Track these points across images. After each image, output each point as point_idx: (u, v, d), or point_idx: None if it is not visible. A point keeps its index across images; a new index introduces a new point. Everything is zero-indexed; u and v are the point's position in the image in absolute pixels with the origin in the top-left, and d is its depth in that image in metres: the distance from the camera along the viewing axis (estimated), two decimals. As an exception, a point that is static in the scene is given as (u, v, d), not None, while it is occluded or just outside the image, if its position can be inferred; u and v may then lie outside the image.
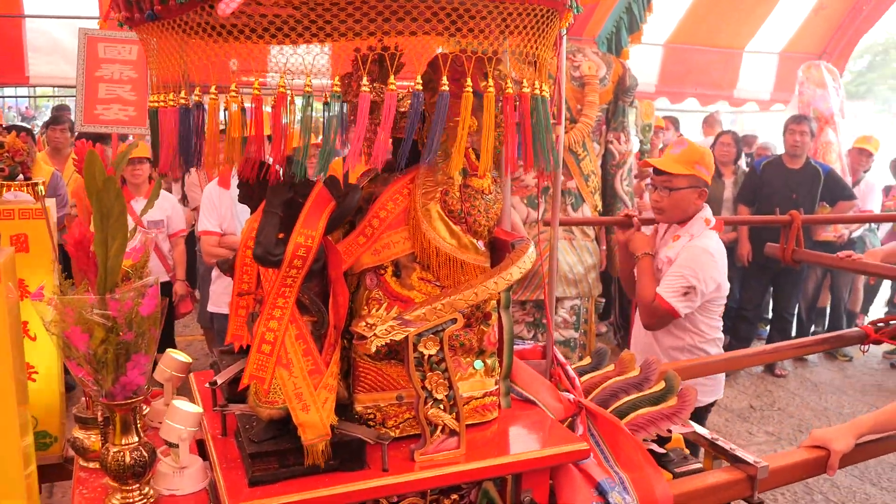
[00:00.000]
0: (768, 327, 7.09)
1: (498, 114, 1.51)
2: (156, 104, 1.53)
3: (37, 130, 8.34)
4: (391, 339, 1.52)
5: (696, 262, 3.00)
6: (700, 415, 3.28)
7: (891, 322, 3.31)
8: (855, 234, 6.91)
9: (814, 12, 9.56)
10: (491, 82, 1.48)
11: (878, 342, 3.33)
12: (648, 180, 4.38)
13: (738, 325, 6.63)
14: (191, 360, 1.90)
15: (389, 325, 1.53)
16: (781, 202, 5.50)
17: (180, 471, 1.58)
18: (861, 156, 7.40)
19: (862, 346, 3.39)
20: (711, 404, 3.37)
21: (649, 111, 6.94)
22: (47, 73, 7.17)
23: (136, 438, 1.51)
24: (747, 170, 7.03)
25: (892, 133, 11.49)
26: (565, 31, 1.87)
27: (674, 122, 8.47)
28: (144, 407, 1.86)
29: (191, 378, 2.01)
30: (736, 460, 2.05)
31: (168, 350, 1.88)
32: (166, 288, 5.09)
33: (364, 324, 1.52)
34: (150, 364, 1.49)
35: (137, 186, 4.97)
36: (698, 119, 9.91)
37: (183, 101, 1.46)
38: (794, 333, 7.08)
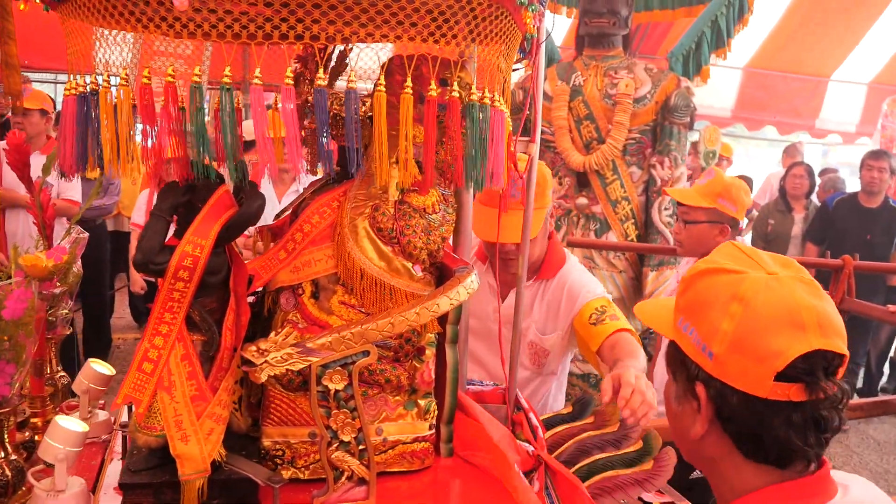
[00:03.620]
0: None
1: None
2: (67, 92, 1.38)
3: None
4: (288, 369, 1.34)
5: None
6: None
7: None
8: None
9: (908, 42, 9.01)
10: (408, 88, 1.28)
11: None
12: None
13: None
14: (113, 373, 1.76)
15: (286, 352, 1.35)
16: (854, 243, 5.14)
17: (55, 494, 1.42)
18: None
19: None
20: None
21: (714, 137, 6.59)
22: None
23: (2, 454, 1.36)
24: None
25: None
26: (544, 46, 1.66)
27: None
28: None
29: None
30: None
31: (89, 360, 1.75)
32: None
33: (255, 349, 1.34)
34: (20, 374, 1.35)
35: (32, 140, 4.64)
36: (776, 148, 9.48)
37: (82, 88, 1.31)
38: (860, 385, 6.62)
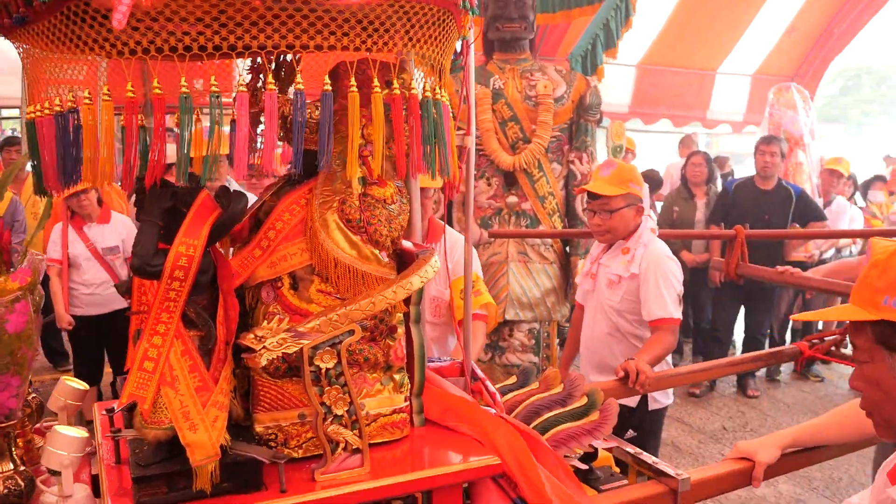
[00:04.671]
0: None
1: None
2: (33, 115, 1.46)
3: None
4: (283, 352, 1.46)
5: (667, 269, 3.06)
6: (657, 420, 3.27)
7: (825, 339, 3.26)
8: (826, 256, 6.87)
9: (786, 34, 9.64)
10: (376, 87, 1.43)
11: (812, 359, 3.30)
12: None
13: (711, 346, 6.56)
14: (87, 388, 1.82)
15: (281, 337, 1.47)
16: (753, 223, 5.47)
17: (64, 500, 1.49)
18: (832, 177, 7.38)
19: (798, 364, 3.36)
20: (666, 408, 3.35)
21: (620, 132, 6.93)
22: (6, 93, 6.95)
23: (12, 466, 1.43)
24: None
25: (863, 157, 11.50)
26: (472, 44, 1.82)
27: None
28: (37, 439, 1.77)
29: (94, 410, 1.93)
30: (659, 474, 2.00)
31: (62, 377, 1.81)
32: (122, 314, 5.00)
33: (252, 336, 1.46)
34: (24, 387, 1.42)
35: (88, 215, 4.85)
36: (670, 140, 9.91)
37: (58, 107, 1.40)
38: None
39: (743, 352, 6.73)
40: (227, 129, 1.40)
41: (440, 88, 1.60)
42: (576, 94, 4.38)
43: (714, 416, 5.91)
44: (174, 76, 1.34)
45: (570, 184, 4.46)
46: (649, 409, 3.15)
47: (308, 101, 1.53)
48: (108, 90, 1.34)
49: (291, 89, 1.70)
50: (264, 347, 1.44)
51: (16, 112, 11.15)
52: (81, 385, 1.82)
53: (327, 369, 1.52)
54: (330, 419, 1.53)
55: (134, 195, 1.66)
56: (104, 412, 1.75)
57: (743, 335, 6.81)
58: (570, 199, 4.47)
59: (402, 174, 1.67)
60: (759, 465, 2.01)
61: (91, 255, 4.75)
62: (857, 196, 8.30)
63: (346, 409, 1.54)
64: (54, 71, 1.47)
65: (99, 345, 5.06)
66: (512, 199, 4.17)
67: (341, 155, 1.59)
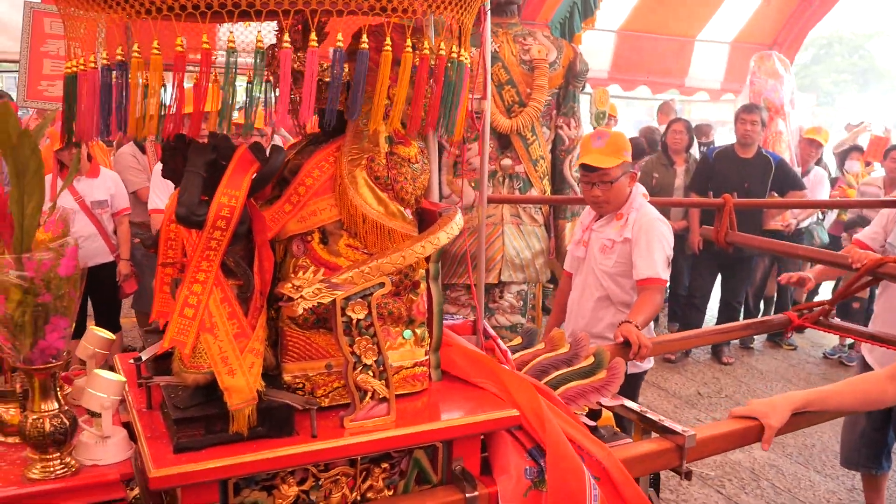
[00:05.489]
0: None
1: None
2: (73, 69, 1.49)
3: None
4: (318, 302, 1.52)
5: (658, 231, 3.14)
6: (634, 383, 3.36)
7: (814, 308, 3.38)
8: (803, 225, 7.02)
9: (765, 2, 9.68)
10: (408, 47, 1.48)
11: (801, 328, 3.41)
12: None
13: (688, 313, 6.72)
14: (114, 338, 1.87)
15: (317, 287, 1.53)
16: (733, 191, 5.57)
17: (103, 441, 1.55)
18: (811, 146, 7.50)
19: (786, 333, 3.47)
20: (644, 373, 3.46)
21: (604, 98, 6.99)
22: None
23: (56, 405, 1.48)
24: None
25: (834, 126, 11.67)
26: (489, 8, 1.87)
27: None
28: (66, 386, 1.82)
29: (116, 359, 1.98)
30: (665, 431, 2.08)
31: (90, 327, 1.85)
32: (111, 268, 5.01)
33: (290, 285, 1.52)
34: (70, 328, 1.47)
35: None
36: (645, 105, 9.87)
37: (104, 61, 1.43)
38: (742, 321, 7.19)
39: (718, 320, 6.90)
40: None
41: (463, 50, 1.65)
42: (565, 60, 4.43)
43: (689, 382, 6.08)
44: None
45: (558, 148, 4.52)
46: (628, 372, 3.25)
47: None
48: (139, 49, 1.38)
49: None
50: (301, 297, 1.49)
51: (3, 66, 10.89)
52: (108, 334, 1.86)
53: (358, 320, 1.58)
54: (359, 368, 1.60)
55: (161, 151, 1.70)
56: (132, 361, 1.80)
57: (719, 303, 6.97)
58: (557, 164, 4.53)
59: (416, 132, 1.71)
60: (770, 429, 2.07)
61: (79, 209, 4.74)
62: (832, 165, 8.46)
63: (374, 358, 1.61)
64: (89, 29, 1.50)
65: (83, 296, 5.05)
66: (506, 161, 4.22)
67: (367, 114, 1.63)
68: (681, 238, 6.67)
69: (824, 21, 10.78)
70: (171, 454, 1.48)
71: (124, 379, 1.59)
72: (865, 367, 3.56)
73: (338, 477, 1.67)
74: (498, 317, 4.24)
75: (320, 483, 1.64)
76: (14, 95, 7.14)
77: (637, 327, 2.78)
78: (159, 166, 4.58)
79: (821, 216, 7.63)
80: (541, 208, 4.35)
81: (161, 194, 4.55)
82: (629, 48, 9.56)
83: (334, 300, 1.54)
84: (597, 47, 8.48)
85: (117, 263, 5.04)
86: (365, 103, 1.63)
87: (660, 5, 9.08)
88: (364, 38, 1.45)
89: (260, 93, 1.39)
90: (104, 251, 4.94)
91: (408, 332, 1.80)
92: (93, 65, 1.46)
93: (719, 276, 6.78)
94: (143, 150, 5.44)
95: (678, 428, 2.07)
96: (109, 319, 5.02)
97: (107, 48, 1.43)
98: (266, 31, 1.49)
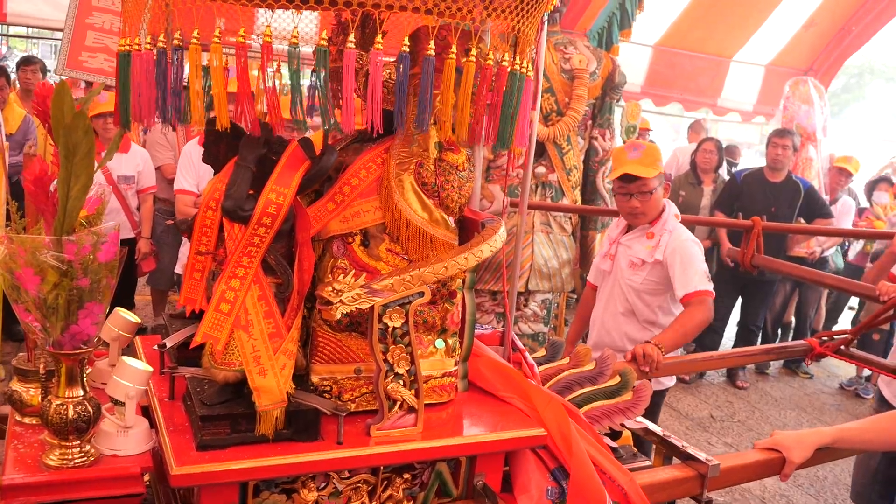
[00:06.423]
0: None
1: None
2: (128, 48, 1.45)
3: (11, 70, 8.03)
4: (357, 308, 1.48)
5: (691, 249, 3.12)
6: (656, 401, 3.30)
7: (835, 337, 3.33)
8: (827, 253, 6.94)
9: (804, 28, 9.58)
10: (473, 55, 1.44)
11: (821, 356, 3.37)
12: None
13: (705, 334, 6.62)
14: (139, 321, 1.83)
15: (356, 292, 1.49)
16: (760, 214, 5.49)
17: (125, 430, 1.51)
18: (840, 175, 7.43)
19: (806, 360, 3.43)
20: (666, 391, 3.44)
21: (636, 112, 6.93)
22: (25, 11, 6.79)
23: (82, 392, 1.44)
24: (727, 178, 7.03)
25: (863, 157, 11.57)
26: (546, 18, 1.82)
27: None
28: (87, 367, 1.79)
29: (136, 341, 1.95)
30: (687, 458, 2.05)
31: (116, 308, 1.81)
32: (131, 245, 4.99)
33: (331, 289, 1.48)
34: (104, 315, 1.43)
35: (109, 140, 4.83)
36: (674, 123, 9.79)
37: (162, 44, 1.40)
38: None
39: (735, 343, 6.83)
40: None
41: (526, 63, 1.60)
42: (605, 72, 4.39)
43: (702, 404, 6.02)
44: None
45: (591, 158, 4.48)
46: (653, 390, 3.21)
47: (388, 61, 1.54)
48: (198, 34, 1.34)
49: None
50: (340, 301, 1.46)
51: (23, 30, 10.90)
52: (134, 318, 1.83)
53: (394, 328, 1.55)
54: (391, 377, 1.56)
55: (205, 136, 1.67)
56: (156, 347, 1.77)
57: (737, 326, 6.89)
58: (590, 174, 4.49)
59: (472, 142, 1.68)
60: (791, 464, 2.05)
61: (105, 182, 4.72)
62: (861, 196, 8.38)
63: (407, 368, 1.58)
64: (144, 8, 1.46)
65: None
66: (540, 169, 4.18)
67: (423, 120, 1.59)
68: (706, 258, 6.59)
69: (860, 51, 10.68)
70: (194, 451, 1.45)
71: (151, 369, 1.55)
72: (882, 400, 3.50)
73: (359, 485, 1.64)
74: (521, 325, 4.20)
75: (340, 490, 1.61)
76: (48, 64, 7.16)
77: (659, 347, 2.73)
78: (189, 146, 4.64)
79: (846, 245, 7.54)
80: (570, 218, 4.30)
81: (188, 175, 4.53)
82: (664, 64, 9.50)
83: (372, 306, 1.51)
84: (632, 61, 8.40)
85: (137, 241, 5.02)
86: (415, 107, 1.60)
87: (698, 23, 9.00)
88: (431, 43, 1.40)
89: (319, 88, 1.34)
90: (126, 227, 4.92)
91: (440, 342, 1.76)
92: (148, 46, 1.42)
93: (739, 300, 6.70)
94: (173, 127, 5.42)
95: (702, 456, 2.04)
96: (124, 297, 5.00)
97: (157, 31, 1.39)
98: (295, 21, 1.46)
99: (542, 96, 4.14)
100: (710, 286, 3.06)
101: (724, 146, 7.42)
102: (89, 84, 5.37)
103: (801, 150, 7.58)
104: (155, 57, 1.39)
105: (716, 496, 4.32)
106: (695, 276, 3.04)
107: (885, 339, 6.29)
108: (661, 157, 3.21)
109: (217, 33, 1.32)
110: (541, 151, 4.20)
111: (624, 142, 6.69)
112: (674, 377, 3.34)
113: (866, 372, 6.50)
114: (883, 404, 3.43)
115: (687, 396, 6.12)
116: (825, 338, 3.36)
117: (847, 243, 7.72)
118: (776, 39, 9.72)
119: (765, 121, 10.45)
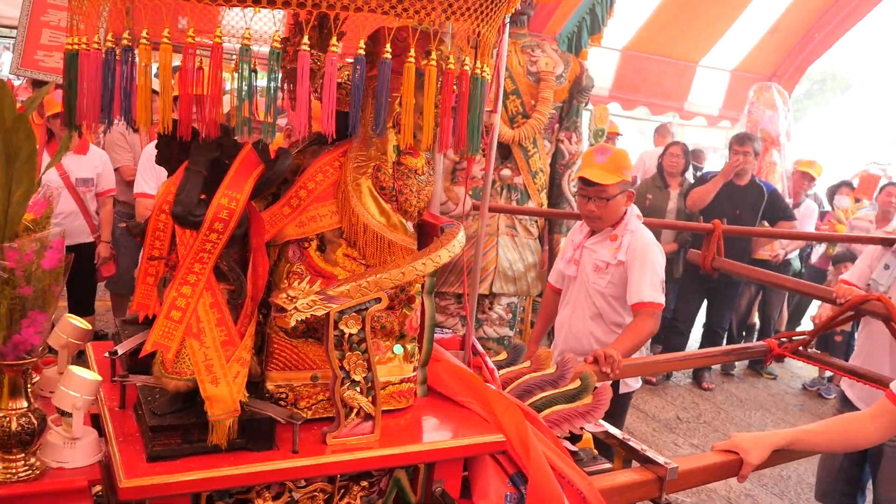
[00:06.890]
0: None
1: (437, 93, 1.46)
2: (75, 47, 1.41)
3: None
4: (312, 315, 1.46)
5: (652, 254, 3.11)
6: (623, 404, 3.33)
7: (794, 338, 3.37)
8: (790, 256, 7.02)
9: (769, 34, 9.71)
10: (433, 59, 1.42)
11: (780, 357, 3.41)
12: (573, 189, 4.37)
13: (671, 336, 6.69)
14: (90, 327, 1.78)
15: (311, 299, 1.46)
16: (724, 216, 5.54)
17: (72, 442, 1.45)
18: (803, 179, 7.52)
19: (766, 361, 3.47)
20: (632, 393, 3.44)
21: (604, 116, 6.95)
22: None
23: (26, 404, 1.40)
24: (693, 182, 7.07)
25: (826, 160, 11.77)
26: (508, 21, 1.80)
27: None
28: (34, 375, 1.73)
29: (89, 347, 1.90)
30: (646, 461, 2.05)
31: (66, 315, 1.77)
32: (90, 249, 4.89)
33: (285, 296, 1.45)
34: (48, 323, 1.39)
35: None
36: (641, 127, 9.82)
37: (110, 43, 1.36)
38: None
39: (701, 344, 6.89)
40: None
41: (485, 66, 1.59)
42: (572, 75, 4.38)
43: (669, 406, 6.05)
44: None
45: (558, 162, 4.47)
46: (619, 392, 3.22)
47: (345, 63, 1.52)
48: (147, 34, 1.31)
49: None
50: (295, 308, 1.43)
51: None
52: (84, 324, 1.78)
53: (350, 334, 1.52)
54: (347, 384, 1.54)
55: (157, 137, 1.63)
56: (107, 354, 1.72)
57: (703, 328, 6.95)
58: (556, 177, 4.49)
59: (440, 149, 1.65)
60: (748, 466, 2.07)
61: (63, 184, 4.63)
62: (824, 200, 8.51)
63: (364, 375, 1.55)
64: (92, 6, 1.42)
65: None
66: (506, 171, 4.17)
67: (382, 124, 1.57)
68: (669, 261, 6.64)
69: (822, 58, 10.86)
70: (144, 463, 1.41)
71: (100, 378, 1.51)
72: (845, 400, 3.55)
73: (315, 493, 1.60)
74: (486, 328, 4.18)
75: (296, 499, 1.58)
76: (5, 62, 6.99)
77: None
78: (149, 148, 4.56)
79: (808, 249, 7.64)
80: (536, 221, 4.29)
81: (148, 178, 4.45)
82: (632, 68, 9.57)
83: (328, 313, 1.48)
84: (600, 65, 8.45)
85: (97, 245, 4.92)
86: (372, 110, 1.57)
87: (665, 28, 9.09)
88: (388, 46, 1.38)
89: (273, 89, 1.31)
90: (84, 231, 4.82)
91: (398, 348, 1.74)
92: (96, 45, 1.38)
93: (705, 302, 6.75)
94: (135, 129, 5.33)
95: (660, 459, 2.04)
96: (84, 303, 4.90)
97: (111, 30, 1.35)
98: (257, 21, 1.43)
99: (508, 98, 4.13)
100: (661, 298, 3.08)
101: (690, 150, 7.47)
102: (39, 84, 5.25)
103: (765, 154, 7.67)
104: (102, 58, 1.35)
105: (682, 497, 4.36)
106: (649, 285, 3.05)
107: (847, 341, 6.39)
108: (630, 164, 3.20)
109: (166, 33, 1.28)
110: (506, 154, 4.18)
111: (591, 145, 6.71)
112: (640, 379, 3.35)
113: (828, 373, 6.60)
114: (846, 405, 3.48)
115: (654, 398, 6.16)
116: (784, 339, 3.40)
117: (809, 247, 7.83)
118: (741, 45, 9.85)
119: (730, 125, 10.56)
